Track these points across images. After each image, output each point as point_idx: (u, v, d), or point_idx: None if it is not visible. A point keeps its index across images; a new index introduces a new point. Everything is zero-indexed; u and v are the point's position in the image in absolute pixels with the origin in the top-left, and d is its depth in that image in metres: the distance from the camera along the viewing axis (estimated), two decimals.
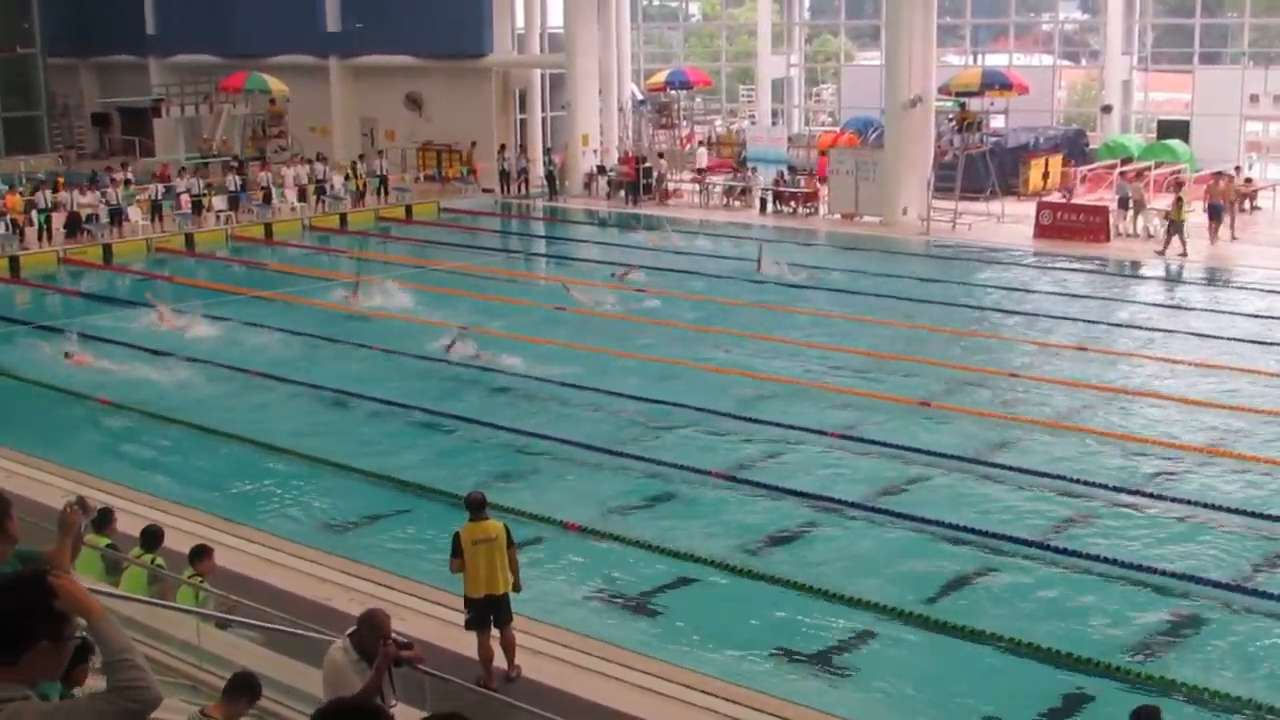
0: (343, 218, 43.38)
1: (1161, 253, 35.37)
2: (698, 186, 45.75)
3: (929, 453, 20.09)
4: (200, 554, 13.57)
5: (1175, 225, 35.32)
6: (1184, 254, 35.01)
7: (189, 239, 39.84)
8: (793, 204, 42.83)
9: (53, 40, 57.62)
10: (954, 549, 16.76)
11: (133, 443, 21.72)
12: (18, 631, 4.39)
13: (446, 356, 25.94)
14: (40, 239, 38.38)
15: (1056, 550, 16.45)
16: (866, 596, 15.15)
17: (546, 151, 48.47)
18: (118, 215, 39.85)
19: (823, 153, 45.86)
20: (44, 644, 4.40)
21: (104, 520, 13.95)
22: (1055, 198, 40.23)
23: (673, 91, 50.63)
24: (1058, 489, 18.67)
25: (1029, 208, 39.83)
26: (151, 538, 13.94)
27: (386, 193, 45.56)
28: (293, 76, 50.41)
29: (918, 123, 40.27)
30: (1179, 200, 35.73)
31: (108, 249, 38.18)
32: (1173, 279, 33.84)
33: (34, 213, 38.70)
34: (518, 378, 24.57)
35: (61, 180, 42.32)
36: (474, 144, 48.44)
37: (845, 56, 57.74)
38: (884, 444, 20.54)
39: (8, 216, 38.20)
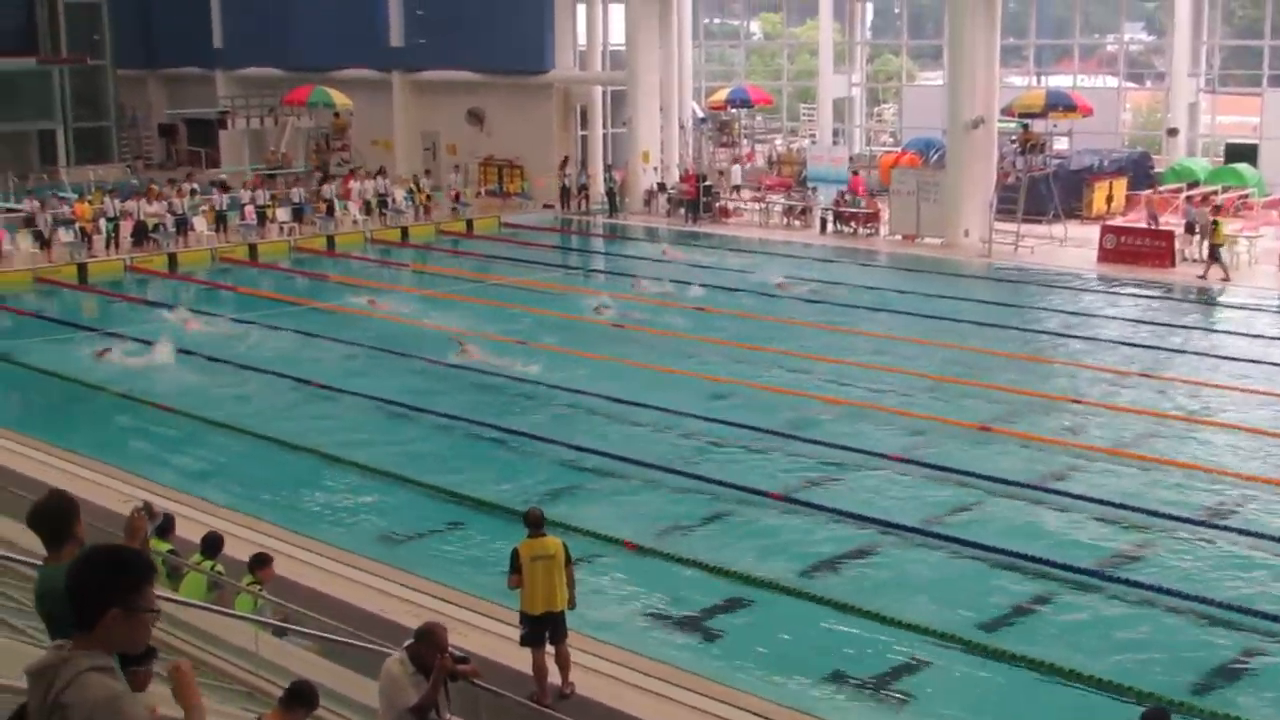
0: (404, 231, 43.64)
1: (1203, 276, 35.11)
2: (758, 205, 45.69)
3: (989, 478, 19.91)
4: (259, 562, 13.66)
5: (1214, 249, 35.07)
6: (1225, 278, 34.79)
7: (252, 249, 40.21)
8: (853, 224, 42.72)
9: (122, 52, 58.35)
10: (1013, 576, 16.60)
11: (193, 450, 21.87)
12: (90, 598, 4.58)
13: (509, 371, 26.02)
14: (108, 247, 38.84)
15: (1117, 580, 16.25)
16: (923, 622, 15.03)
17: (607, 168, 48.55)
18: (183, 225, 40.29)
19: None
20: (114, 611, 4.56)
21: (166, 527, 14.09)
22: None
23: (733, 110, 50.63)
24: (1119, 517, 18.47)
25: (1092, 231, 39.51)
26: (212, 545, 14.05)
27: (462, 207, 45.81)
28: (356, 90, 50.74)
29: (980, 144, 40.07)
30: (1215, 224, 35.47)
31: (173, 258, 38.60)
32: (1238, 306, 33.38)
33: (102, 221, 39.19)
34: (575, 393, 24.60)
35: (154, 188, 42.71)
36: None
37: (907, 76, 57.58)
38: (943, 468, 20.39)
39: (77, 224, 38.71)
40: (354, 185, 44.97)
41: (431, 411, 23.62)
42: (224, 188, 43.21)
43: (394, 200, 44.85)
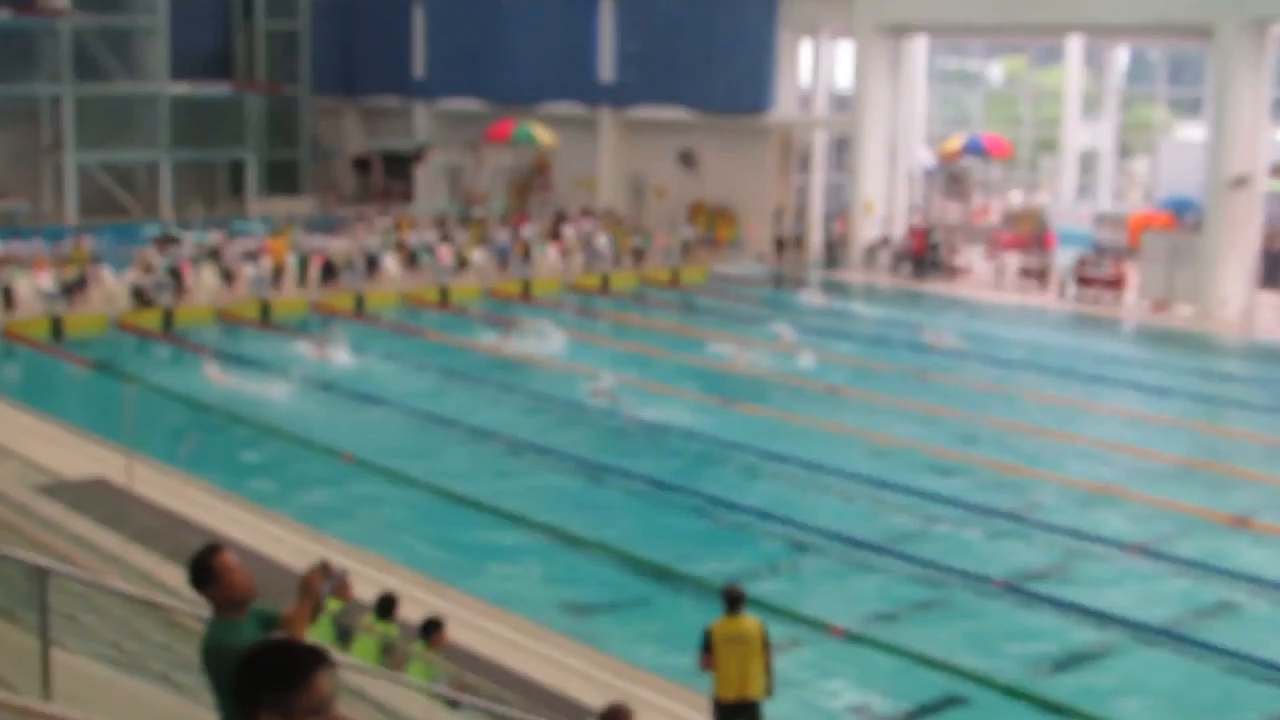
0: (604, 279, 44.05)
1: None
2: (991, 264, 45.13)
3: (1243, 576, 19.25)
4: (433, 627, 13.76)
5: None
6: None
7: (443, 293, 40.96)
8: (1096, 288, 41.87)
9: (319, 80, 60.26)
10: (1267, 689, 15.99)
11: (367, 502, 22.26)
12: (241, 702, 4.58)
13: (709, 433, 26.03)
14: (301, 284, 39.87)
15: None
16: None
17: (827, 218, 48.45)
18: (373, 264, 41.24)
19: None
20: (264, 715, 4.53)
21: (341, 586, 14.28)
22: None
23: (967, 159, 50.17)
24: None
25: None
26: (386, 606, 14.20)
27: (670, 254, 46.21)
28: (561, 127, 51.50)
29: (1243, 205, 39.03)
30: None
31: (360, 298, 39.54)
32: None
33: (291, 257, 40.30)
34: (781, 460, 24.47)
35: (405, 220, 43.92)
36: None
37: (1163, 128, 56.43)
38: (1191, 563, 19.78)
39: (265, 259, 39.81)
40: (568, 229, 45.63)
41: (624, 472, 23.73)
42: (373, 229, 44.11)
43: (598, 245, 45.22)
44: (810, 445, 25.40)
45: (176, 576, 14.93)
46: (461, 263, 42.79)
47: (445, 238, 44.03)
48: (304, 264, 40.22)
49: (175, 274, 37.83)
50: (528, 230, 45.08)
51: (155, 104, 54.26)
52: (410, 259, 42.10)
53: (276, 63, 59.26)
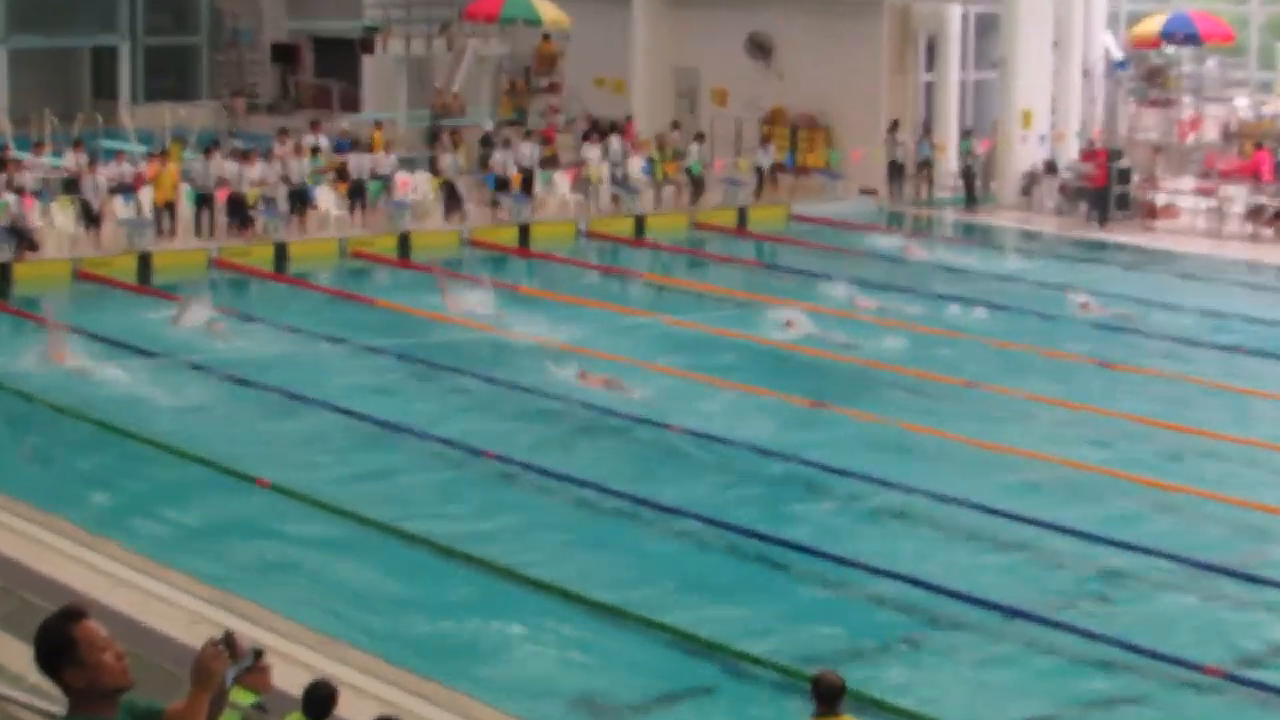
0: (639, 222, 43.98)
1: None
2: (1207, 202, 44.82)
3: None
4: None
5: None
6: None
7: (403, 241, 41.02)
8: None
9: None
10: None
11: (296, 551, 22.28)
12: None
13: (787, 450, 26.07)
14: (198, 230, 39.97)
15: None
16: None
17: (964, 135, 48.30)
18: (301, 200, 41.20)
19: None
20: None
21: (253, 668, 14.35)
22: None
23: (1170, 49, 49.99)
24: None
25: None
26: (319, 701, 14.28)
27: (773, 186, 46.41)
28: (575, 1, 51.34)
29: None
30: None
31: (281, 249, 39.59)
32: None
33: (185, 189, 40.14)
34: (889, 487, 24.47)
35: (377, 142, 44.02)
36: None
37: None
38: None
39: (143, 191, 39.64)
40: (589, 151, 45.18)
41: (659, 506, 23.75)
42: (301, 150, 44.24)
43: (625, 175, 45.04)
44: (936, 467, 25.47)
45: (19, 653, 15.08)
46: (456, 203, 42.71)
47: (434, 162, 44.01)
48: (202, 200, 40.16)
49: (15, 218, 37.76)
50: (528, 152, 44.72)
51: None
52: (355, 192, 41.86)
53: None
